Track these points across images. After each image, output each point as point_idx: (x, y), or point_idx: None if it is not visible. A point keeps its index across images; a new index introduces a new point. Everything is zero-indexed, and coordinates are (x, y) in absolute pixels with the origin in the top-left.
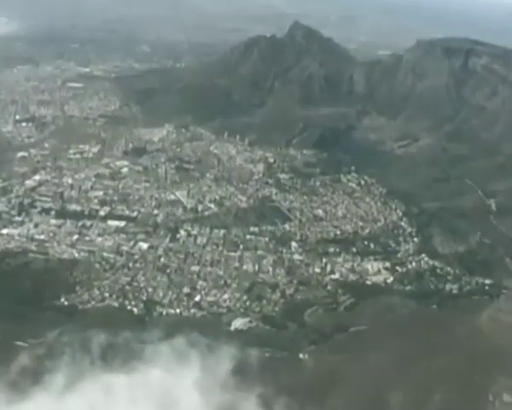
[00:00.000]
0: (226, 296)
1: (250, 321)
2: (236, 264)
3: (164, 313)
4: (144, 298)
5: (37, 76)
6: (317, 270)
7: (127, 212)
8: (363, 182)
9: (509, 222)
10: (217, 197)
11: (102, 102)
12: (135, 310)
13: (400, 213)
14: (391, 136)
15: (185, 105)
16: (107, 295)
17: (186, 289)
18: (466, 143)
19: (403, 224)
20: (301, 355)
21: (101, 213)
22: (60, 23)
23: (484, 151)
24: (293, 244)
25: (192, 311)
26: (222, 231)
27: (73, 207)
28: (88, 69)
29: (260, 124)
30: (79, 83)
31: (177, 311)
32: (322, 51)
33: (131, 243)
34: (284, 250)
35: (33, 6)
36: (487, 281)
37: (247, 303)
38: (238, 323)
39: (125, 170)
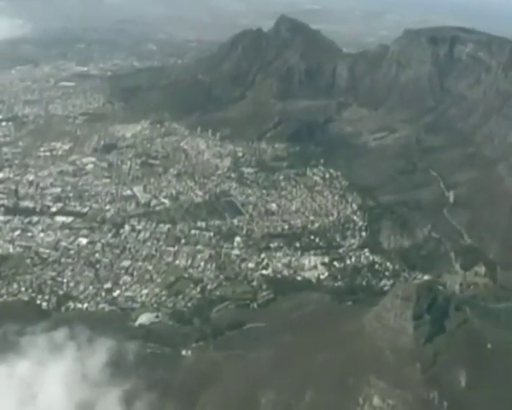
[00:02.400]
0: (145, 292)
1: (157, 316)
2: (170, 259)
3: (72, 307)
4: (61, 293)
5: (33, 76)
6: (251, 265)
7: (79, 208)
8: (327, 175)
9: (461, 215)
10: (173, 192)
11: (87, 101)
12: (44, 304)
13: (355, 207)
14: (368, 128)
15: (165, 101)
16: (23, 289)
17: (108, 285)
18: (442, 134)
19: (355, 218)
20: (184, 352)
21: (53, 209)
22: (72, 25)
23: (457, 142)
24: (237, 239)
25: (102, 306)
26: (167, 226)
27: (26, 203)
28: (86, 68)
29: (235, 118)
30: (72, 82)
31: (85, 305)
32: (306, 44)
33: (71, 239)
34: (225, 245)
35: (49, 9)
36: (426, 277)
37: (163, 298)
38: (144, 318)
39: (89, 166)
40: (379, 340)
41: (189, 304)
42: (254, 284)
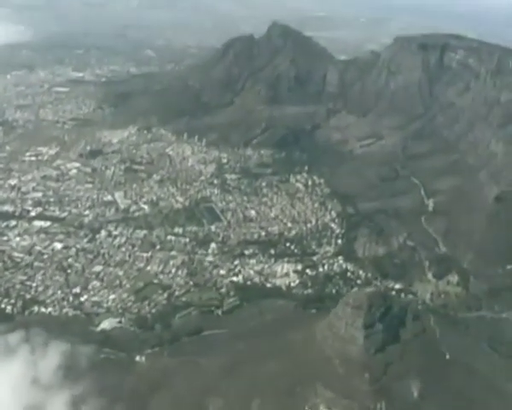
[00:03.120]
0: (112, 297)
1: (120, 322)
2: (142, 264)
3: (36, 311)
4: (28, 297)
5: (28, 81)
6: (223, 272)
7: (58, 213)
8: (310, 182)
9: (438, 223)
10: (154, 198)
11: (78, 106)
12: (8, 308)
13: (334, 214)
14: (356, 135)
15: (154, 107)
16: None
17: (77, 289)
18: (428, 141)
19: (333, 225)
20: (138, 357)
21: (32, 213)
22: (74, 30)
23: (442, 149)
24: (212, 245)
25: (66, 310)
26: (143, 232)
27: (6, 208)
28: (81, 74)
29: (222, 124)
30: (66, 87)
31: (49, 310)
32: (297, 51)
33: (47, 243)
34: (200, 251)
35: (52, 15)
36: (397, 285)
37: (129, 304)
38: (106, 323)
39: (73, 172)
40: (329, 349)
41: (154, 310)
42: (223, 290)
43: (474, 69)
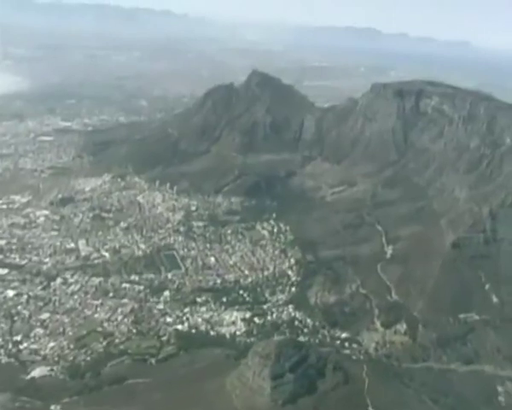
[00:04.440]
0: (52, 345)
1: (51, 370)
2: (90, 312)
3: None
4: None
5: (15, 131)
6: (170, 320)
7: (18, 260)
8: (276, 229)
9: (393, 271)
10: (117, 245)
11: (58, 155)
12: None
13: (293, 262)
14: (329, 182)
15: (132, 155)
16: None
17: (18, 337)
18: (398, 188)
19: (290, 273)
20: (53, 406)
21: None
22: (71, 81)
23: (411, 196)
24: (166, 293)
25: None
26: (99, 279)
27: None
28: (69, 123)
29: (196, 172)
30: (51, 136)
31: None
32: (275, 98)
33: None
34: (152, 299)
35: (53, 66)
36: (344, 335)
37: (67, 352)
38: (37, 371)
39: (41, 219)
40: (236, 399)
41: (89, 358)
42: (164, 338)
43: (448, 115)
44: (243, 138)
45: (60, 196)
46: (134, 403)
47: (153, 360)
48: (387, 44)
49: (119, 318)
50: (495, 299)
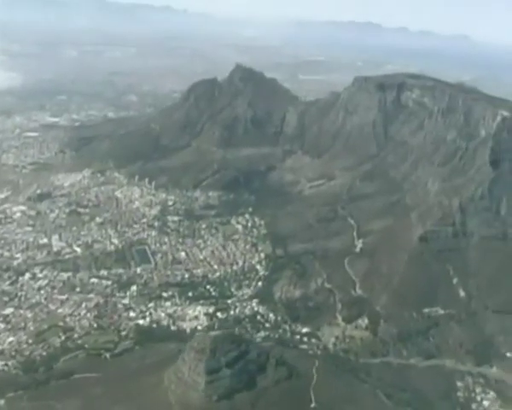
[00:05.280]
0: (11, 339)
1: (5, 365)
2: (54, 307)
3: None
4: None
5: (1, 127)
6: (132, 314)
7: None
8: (250, 224)
9: (360, 265)
10: (89, 241)
11: (41, 150)
12: None
13: (263, 256)
14: (308, 176)
15: (113, 150)
16: None
17: None
18: (376, 182)
19: (258, 267)
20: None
21: None
22: (63, 77)
23: (387, 189)
24: (133, 288)
25: None
26: (68, 274)
27: None
28: (57, 119)
29: (175, 167)
30: (37, 132)
31: None
32: (257, 93)
33: None
34: (118, 294)
35: (47, 62)
36: (305, 329)
37: (24, 346)
38: None
39: (17, 215)
40: (172, 394)
41: (45, 353)
42: (123, 333)
43: (429, 107)
44: (224, 133)
45: (38, 191)
46: (73, 397)
47: (107, 355)
48: (387, 38)
49: (83, 312)
50: (462, 293)
